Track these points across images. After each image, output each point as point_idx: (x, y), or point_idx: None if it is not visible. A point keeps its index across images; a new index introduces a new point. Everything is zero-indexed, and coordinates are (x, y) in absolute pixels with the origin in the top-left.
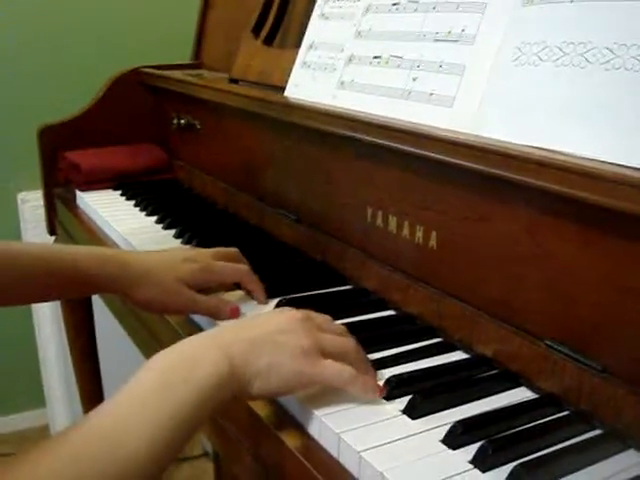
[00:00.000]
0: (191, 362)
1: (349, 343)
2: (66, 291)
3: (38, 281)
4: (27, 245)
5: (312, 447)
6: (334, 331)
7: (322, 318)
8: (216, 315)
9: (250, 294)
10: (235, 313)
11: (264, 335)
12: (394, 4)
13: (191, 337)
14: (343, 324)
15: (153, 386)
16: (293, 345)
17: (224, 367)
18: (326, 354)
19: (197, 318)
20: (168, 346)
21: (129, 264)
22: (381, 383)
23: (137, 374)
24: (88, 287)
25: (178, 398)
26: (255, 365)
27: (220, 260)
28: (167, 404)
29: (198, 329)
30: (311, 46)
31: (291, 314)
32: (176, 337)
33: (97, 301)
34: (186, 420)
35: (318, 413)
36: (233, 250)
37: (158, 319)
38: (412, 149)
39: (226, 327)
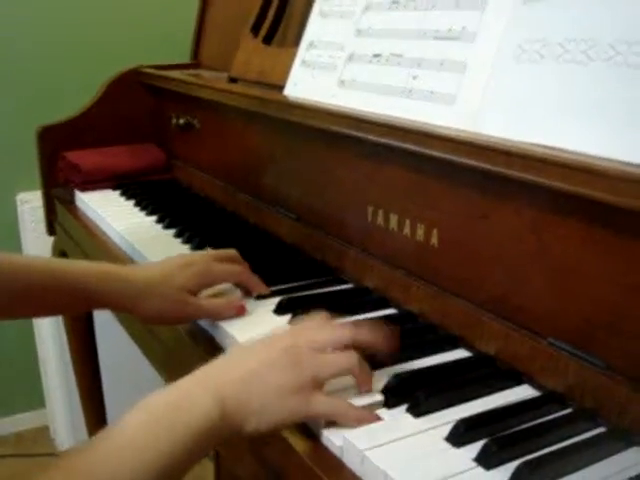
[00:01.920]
0: (181, 408)
1: (346, 360)
2: (66, 307)
3: (38, 295)
4: (28, 258)
5: (315, 446)
6: (333, 341)
7: (318, 335)
8: (222, 317)
9: (249, 292)
10: (241, 311)
11: (254, 373)
12: (394, 2)
13: (181, 380)
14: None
15: (141, 431)
16: (282, 384)
17: (215, 413)
18: (322, 380)
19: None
20: (168, 344)
21: (130, 280)
22: (382, 383)
23: (126, 416)
24: (89, 303)
25: (166, 445)
26: (247, 407)
27: (218, 261)
28: (154, 451)
29: (198, 328)
30: (310, 45)
31: (280, 345)
32: (177, 336)
33: None
34: (173, 467)
35: None
36: (231, 251)
37: None
38: (413, 147)
39: (216, 365)
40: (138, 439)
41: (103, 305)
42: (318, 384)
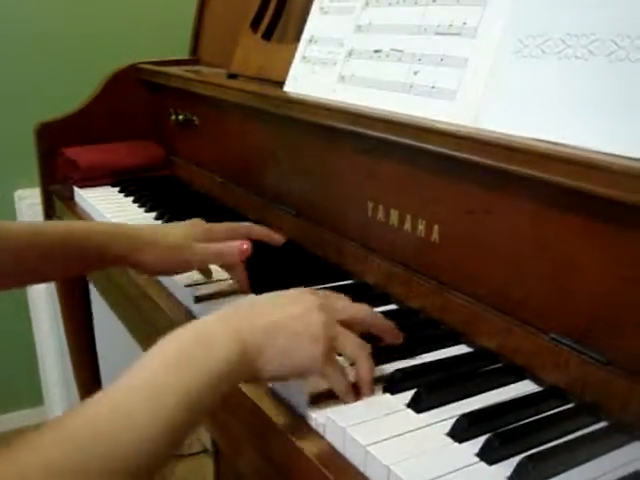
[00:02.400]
0: (202, 345)
1: (361, 344)
2: (75, 265)
3: (58, 257)
4: (45, 224)
5: (317, 442)
6: (353, 309)
7: (339, 301)
8: (228, 257)
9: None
10: (245, 253)
11: (279, 320)
12: None
13: (204, 318)
14: None
15: (162, 367)
16: (305, 332)
17: (236, 353)
18: (338, 348)
19: (196, 310)
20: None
21: (138, 231)
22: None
23: (148, 353)
24: (96, 260)
25: (186, 381)
26: (268, 351)
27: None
28: (174, 387)
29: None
30: (310, 40)
31: (309, 299)
32: (175, 327)
33: (95, 295)
34: (192, 404)
35: (323, 407)
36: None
37: (156, 310)
38: (414, 143)
39: (240, 308)
40: (158, 378)
41: (107, 262)
42: (334, 348)
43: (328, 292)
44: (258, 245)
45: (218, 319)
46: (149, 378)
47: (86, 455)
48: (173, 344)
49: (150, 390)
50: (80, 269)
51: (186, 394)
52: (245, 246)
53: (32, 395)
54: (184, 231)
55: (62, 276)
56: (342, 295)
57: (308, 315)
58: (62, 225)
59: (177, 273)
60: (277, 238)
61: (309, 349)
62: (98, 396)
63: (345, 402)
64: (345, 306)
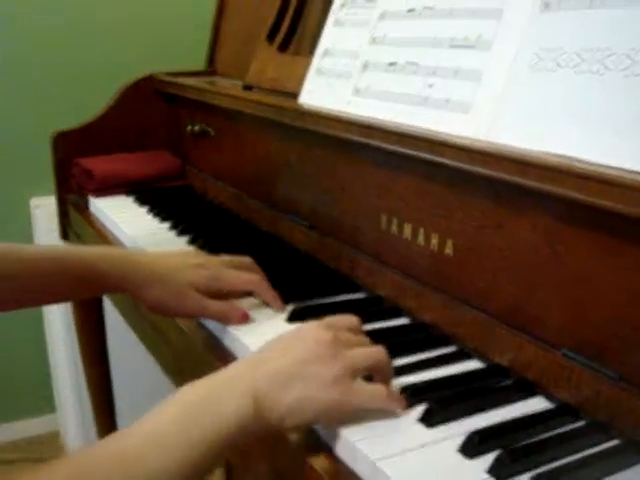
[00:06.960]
0: (215, 401)
1: (379, 354)
2: (77, 291)
3: (55, 281)
4: (41, 247)
5: (327, 456)
6: (361, 342)
7: (348, 333)
8: (225, 321)
9: (265, 303)
10: (244, 318)
11: (291, 367)
12: (409, 10)
13: (217, 374)
14: None
15: (173, 422)
16: (323, 376)
17: (249, 408)
18: (358, 372)
19: (209, 324)
20: (179, 351)
21: (140, 264)
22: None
23: (160, 406)
24: (98, 286)
25: (197, 437)
26: (284, 402)
27: (232, 268)
28: (185, 442)
29: (210, 334)
30: (326, 53)
31: (317, 337)
32: (188, 342)
33: (108, 306)
34: (202, 459)
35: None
36: (246, 259)
37: (170, 324)
38: (428, 156)
39: (250, 361)
40: (168, 433)
41: (110, 287)
42: (354, 375)
43: (335, 320)
44: (272, 257)
45: (230, 373)
46: (155, 431)
47: None
48: (184, 400)
49: (154, 445)
50: (76, 295)
51: (193, 450)
52: (245, 317)
53: (45, 403)
54: (188, 273)
55: (62, 300)
56: (349, 321)
57: (319, 355)
58: (61, 249)
59: (174, 316)
60: (277, 305)
61: (329, 395)
62: (98, 444)
63: (389, 409)
64: (351, 338)
